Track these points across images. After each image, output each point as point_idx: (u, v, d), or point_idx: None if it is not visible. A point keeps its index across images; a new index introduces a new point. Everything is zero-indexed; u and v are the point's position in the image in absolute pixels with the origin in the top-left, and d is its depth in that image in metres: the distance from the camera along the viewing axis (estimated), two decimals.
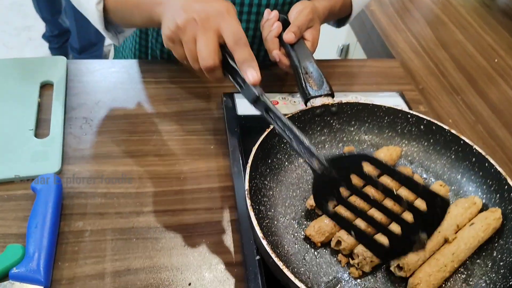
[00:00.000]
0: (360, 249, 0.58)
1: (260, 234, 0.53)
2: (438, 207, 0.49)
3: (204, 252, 0.65)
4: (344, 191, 0.53)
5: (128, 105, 0.85)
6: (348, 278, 0.58)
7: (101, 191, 0.70)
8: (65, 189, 0.70)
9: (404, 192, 0.56)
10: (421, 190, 0.49)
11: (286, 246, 0.59)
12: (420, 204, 0.49)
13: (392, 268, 0.59)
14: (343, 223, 0.53)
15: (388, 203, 0.53)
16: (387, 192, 0.50)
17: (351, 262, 0.59)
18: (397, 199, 0.50)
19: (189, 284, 0.61)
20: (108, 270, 0.61)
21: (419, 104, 0.96)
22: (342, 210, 0.54)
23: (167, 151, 0.78)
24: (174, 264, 0.63)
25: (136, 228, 0.66)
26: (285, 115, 0.68)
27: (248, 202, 0.56)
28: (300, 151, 0.55)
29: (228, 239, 0.67)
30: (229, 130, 0.77)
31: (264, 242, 0.52)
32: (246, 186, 0.58)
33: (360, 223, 0.54)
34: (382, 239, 0.52)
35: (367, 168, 0.50)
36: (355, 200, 0.54)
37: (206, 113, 0.86)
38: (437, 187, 0.67)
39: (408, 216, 0.50)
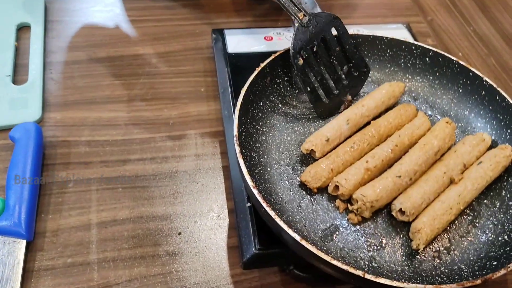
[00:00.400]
0: (359, 194, 0.54)
1: (250, 182, 0.49)
2: (363, 74, 0.67)
3: (194, 200, 0.62)
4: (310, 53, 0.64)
5: (112, 46, 0.79)
6: (346, 224, 0.54)
7: (85, 139, 0.67)
8: (46, 138, 0.66)
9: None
10: (357, 58, 0.66)
11: (280, 194, 0.56)
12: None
13: (393, 213, 0.55)
14: (304, 77, 0.63)
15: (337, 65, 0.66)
16: (338, 56, 0.65)
17: (350, 208, 0.55)
18: (341, 64, 0.66)
19: (179, 234, 0.59)
20: (94, 221, 0.58)
21: (427, 37, 0.89)
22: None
23: (154, 95, 0.73)
24: (162, 214, 0.60)
25: (123, 177, 0.63)
26: (279, 51, 0.63)
27: (237, 149, 0.52)
28: (287, 5, 0.63)
29: (219, 186, 0.64)
30: (218, 70, 0.72)
31: (255, 191, 0.49)
32: (235, 132, 0.54)
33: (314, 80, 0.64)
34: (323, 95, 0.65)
35: (334, 32, 0.65)
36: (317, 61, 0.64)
37: (196, 52, 0.80)
38: (443, 124, 0.62)
39: (344, 81, 0.66)
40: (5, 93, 0.69)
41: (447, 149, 0.61)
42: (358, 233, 0.54)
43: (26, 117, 0.67)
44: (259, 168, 0.56)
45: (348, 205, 0.56)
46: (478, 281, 0.45)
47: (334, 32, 0.65)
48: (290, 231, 0.46)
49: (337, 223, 0.54)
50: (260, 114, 0.62)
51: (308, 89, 0.63)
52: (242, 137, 0.56)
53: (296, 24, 0.62)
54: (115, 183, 0.62)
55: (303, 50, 0.62)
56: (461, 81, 0.66)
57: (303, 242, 0.45)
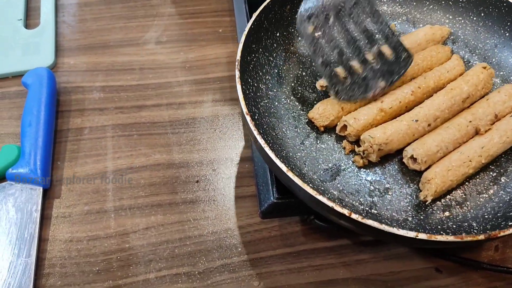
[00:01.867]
0: (367, 135, 0.49)
1: (245, 109, 0.46)
2: (402, 59, 0.53)
3: (212, 147, 0.60)
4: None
5: None
6: (350, 167, 0.51)
7: (99, 85, 0.64)
8: (60, 84, 0.64)
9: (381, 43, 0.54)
10: (395, 41, 0.53)
11: (284, 129, 0.52)
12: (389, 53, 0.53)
13: (405, 160, 0.50)
14: (315, 47, 0.53)
15: (363, 46, 0.53)
16: (366, 34, 0.53)
17: (356, 150, 0.51)
18: (371, 43, 0.53)
19: (197, 182, 0.57)
20: (110, 168, 0.57)
21: None
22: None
23: (169, 37, 0.70)
24: (180, 161, 0.58)
25: (138, 124, 0.61)
26: None
27: (237, 74, 0.48)
28: None
29: (238, 133, 0.61)
30: (236, 8, 0.67)
31: (248, 118, 0.45)
32: (238, 56, 0.50)
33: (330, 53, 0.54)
34: (342, 73, 0.53)
35: (358, 9, 0.53)
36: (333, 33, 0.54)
37: None
38: (479, 69, 0.55)
39: (374, 64, 0.53)
40: (17, 38, 0.67)
41: (480, 98, 0.55)
42: (362, 177, 0.50)
43: (38, 63, 0.65)
44: (266, 101, 0.53)
45: (355, 146, 0.52)
46: (481, 236, 0.40)
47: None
48: (277, 161, 0.42)
49: (341, 165, 0.51)
50: (275, 45, 0.57)
51: (320, 61, 0.53)
52: (250, 66, 0.52)
53: None
54: (131, 130, 0.60)
55: (314, 16, 0.53)
56: (509, 23, 0.58)
57: (290, 174, 0.41)
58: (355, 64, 0.53)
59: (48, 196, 0.55)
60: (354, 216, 0.39)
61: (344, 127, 0.51)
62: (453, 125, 0.51)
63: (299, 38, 0.59)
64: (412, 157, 0.49)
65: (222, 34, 0.70)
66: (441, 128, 0.51)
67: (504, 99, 0.53)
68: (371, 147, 0.49)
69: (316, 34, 0.53)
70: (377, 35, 0.54)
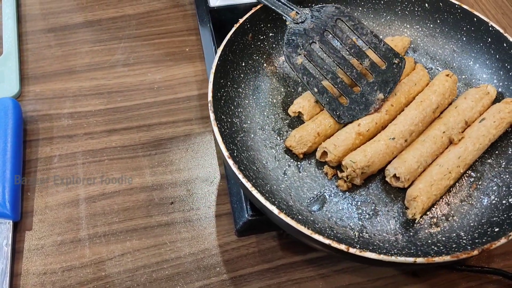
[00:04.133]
0: (348, 160, 0.50)
1: (225, 152, 0.45)
2: (395, 65, 0.54)
3: (185, 167, 0.59)
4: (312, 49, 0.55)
5: (89, 10, 0.75)
6: (336, 192, 0.51)
7: (67, 111, 0.64)
8: (26, 113, 0.63)
9: (371, 55, 0.56)
10: (384, 49, 0.54)
11: (264, 161, 0.52)
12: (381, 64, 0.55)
13: (388, 179, 0.51)
14: (308, 77, 0.54)
15: (354, 63, 0.55)
16: (354, 50, 0.55)
17: (339, 175, 0.51)
18: (361, 57, 0.54)
19: (171, 203, 0.57)
20: (82, 196, 0.56)
21: None
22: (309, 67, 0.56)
23: (136, 59, 0.69)
24: (153, 183, 0.58)
25: (109, 148, 0.60)
26: (261, 3, 0.58)
27: (212, 116, 0.48)
28: (275, 5, 0.56)
29: (210, 152, 0.61)
30: (201, 27, 0.67)
31: (231, 162, 0.44)
32: (210, 97, 0.49)
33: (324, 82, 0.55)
34: (342, 100, 0.54)
35: (341, 25, 0.55)
36: (322, 57, 0.55)
37: (178, 10, 0.75)
38: (443, 77, 0.57)
39: (369, 78, 0.54)
40: None
41: (448, 105, 0.56)
42: (349, 201, 0.50)
43: (3, 93, 0.63)
44: (241, 134, 0.53)
45: (338, 171, 0.52)
46: (475, 252, 0.41)
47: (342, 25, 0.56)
48: (267, 204, 0.42)
49: (326, 191, 0.51)
50: (242, 75, 0.57)
51: (316, 90, 0.53)
52: (221, 102, 0.52)
53: (288, 23, 0.55)
54: (102, 155, 0.60)
55: (300, 47, 0.54)
56: (464, 28, 0.60)
57: (282, 216, 0.41)
58: (350, 83, 0.54)
59: (19, 228, 0.54)
60: (352, 250, 0.40)
61: (325, 153, 0.52)
62: (429, 138, 0.52)
63: (265, 65, 0.60)
64: (394, 175, 0.50)
65: (189, 53, 0.70)
66: (417, 143, 0.52)
67: (471, 105, 0.55)
68: (354, 171, 0.49)
69: (306, 65, 0.54)
70: (365, 47, 0.55)
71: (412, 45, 0.64)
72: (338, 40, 0.55)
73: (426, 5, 0.62)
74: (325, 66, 0.54)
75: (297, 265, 0.53)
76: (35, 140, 0.61)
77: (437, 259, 0.40)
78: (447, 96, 0.55)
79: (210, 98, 0.49)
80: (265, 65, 0.60)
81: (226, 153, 0.45)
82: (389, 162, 0.51)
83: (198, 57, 0.70)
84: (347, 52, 0.55)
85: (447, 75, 0.57)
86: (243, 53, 0.57)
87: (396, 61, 0.54)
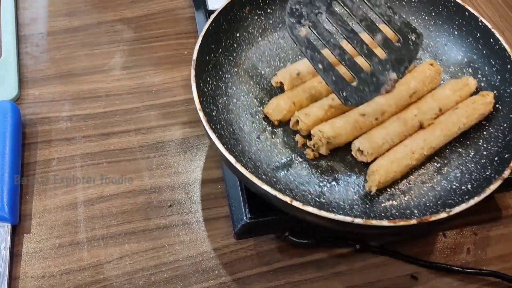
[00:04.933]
0: (317, 129, 0.52)
1: (198, 105, 0.48)
2: (412, 42, 0.49)
3: (184, 170, 0.59)
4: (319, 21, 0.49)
5: (87, 13, 0.75)
6: (302, 159, 0.53)
7: (66, 115, 0.64)
8: (25, 116, 0.63)
9: (384, 29, 0.50)
10: (399, 22, 0.49)
11: (241, 125, 0.54)
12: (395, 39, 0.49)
13: (353, 152, 0.53)
14: (312, 52, 0.48)
15: (364, 37, 0.49)
16: (366, 22, 0.49)
17: (308, 143, 0.53)
18: (373, 31, 0.49)
19: (170, 206, 0.57)
20: (80, 199, 0.56)
21: None
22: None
23: (135, 62, 0.70)
24: (151, 186, 0.58)
25: (107, 151, 0.60)
26: None
27: (193, 72, 0.50)
28: None
29: (209, 155, 0.61)
30: (200, 30, 0.67)
31: (201, 114, 0.47)
32: (194, 56, 0.51)
33: (329, 55, 0.49)
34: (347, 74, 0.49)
35: None
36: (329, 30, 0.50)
37: (176, 13, 0.75)
38: (425, 66, 0.57)
39: (380, 53, 0.49)
40: None
41: (428, 93, 0.57)
42: (313, 169, 0.52)
43: (2, 96, 0.64)
44: (225, 98, 0.55)
45: (307, 140, 0.54)
46: (413, 221, 0.41)
47: None
48: (226, 153, 0.44)
49: (293, 157, 0.53)
50: (235, 45, 0.59)
51: (320, 67, 0.48)
52: (209, 65, 0.54)
53: None
54: (100, 158, 0.60)
55: (304, 18, 0.49)
56: (457, 22, 0.61)
57: (238, 166, 0.43)
58: (359, 60, 0.49)
59: (17, 232, 0.54)
60: (295, 203, 0.41)
61: (297, 122, 0.54)
62: (399, 119, 0.54)
63: (259, 39, 0.61)
64: (359, 149, 0.52)
65: (188, 56, 0.70)
66: (387, 122, 0.54)
67: (448, 94, 0.56)
68: (320, 140, 0.51)
69: (311, 37, 0.49)
70: (378, 20, 0.50)
71: None
72: (347, 11, 0.49)
73: None
74: (331, 40, 0.48)
75: (295, 268, 0.53)
76: (33, 143, 0.61)
77: (375, 222, 0.40)
78: (427, 83, 0.57)
79: (194, 57, 0.51)
80: (259, 38, 0.62)
81: (198, 106, 0.48)
82: (357, 137, 0.53)
83: None
84: (358, 26, 0.49)
85: (431, 64, 0.58)
86: (238, 24, 0.59)
87: (413, 37, 0.49)
